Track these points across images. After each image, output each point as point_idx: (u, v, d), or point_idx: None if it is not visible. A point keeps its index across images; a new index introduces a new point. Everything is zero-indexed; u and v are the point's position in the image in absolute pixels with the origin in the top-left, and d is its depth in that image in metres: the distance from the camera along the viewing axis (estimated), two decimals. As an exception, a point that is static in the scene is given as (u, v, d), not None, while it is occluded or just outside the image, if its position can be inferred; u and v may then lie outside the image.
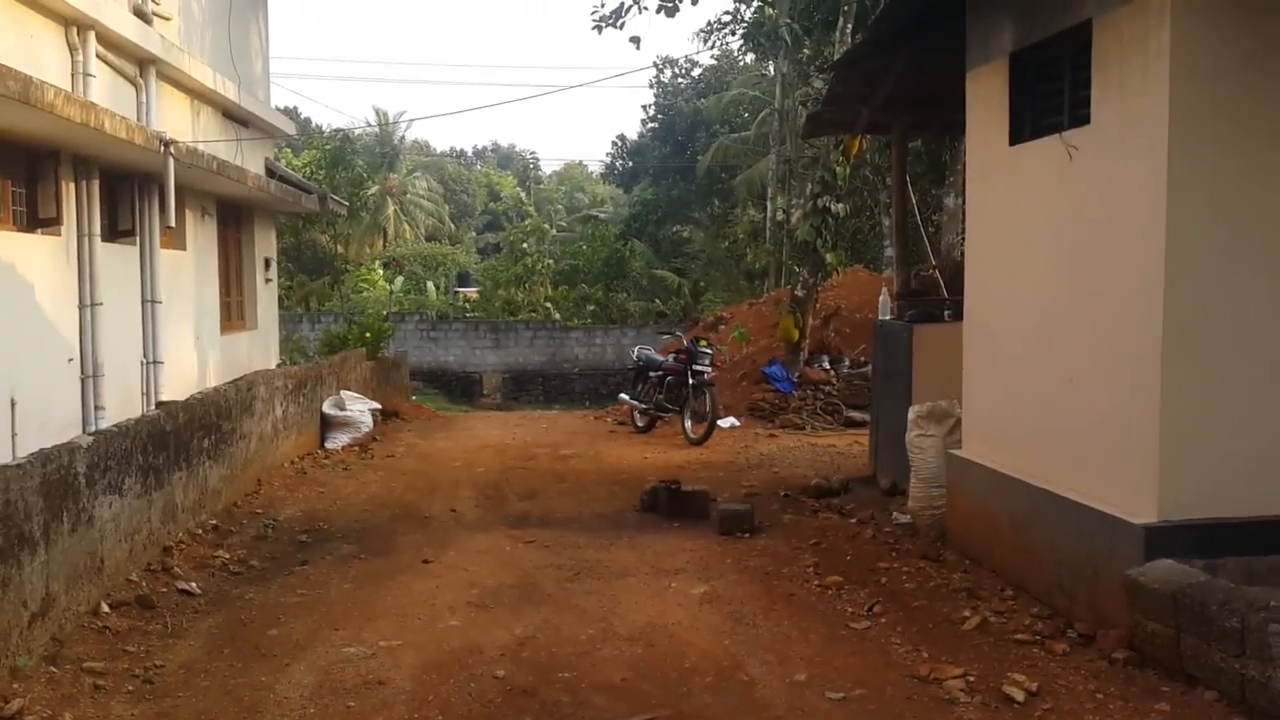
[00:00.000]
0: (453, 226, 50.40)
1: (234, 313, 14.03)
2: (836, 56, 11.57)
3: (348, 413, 11.91)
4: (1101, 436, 5.37)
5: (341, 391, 12.36)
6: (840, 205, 14.55)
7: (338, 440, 11.68)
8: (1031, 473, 5.96)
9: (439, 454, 11.54)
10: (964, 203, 7.26)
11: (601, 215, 43.21)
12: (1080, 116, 5.52)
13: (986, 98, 6.51)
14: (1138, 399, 5.04)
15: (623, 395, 14.09)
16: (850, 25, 14.33)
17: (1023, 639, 5.15)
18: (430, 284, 37.75)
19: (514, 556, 6.99)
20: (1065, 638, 5.12)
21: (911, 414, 7.47)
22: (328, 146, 36.33)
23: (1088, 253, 5.49)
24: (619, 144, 42.16)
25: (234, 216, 13.97)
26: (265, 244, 15.20)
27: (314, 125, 50.24)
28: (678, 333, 15.94)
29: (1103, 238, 5.34)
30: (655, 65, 36.39)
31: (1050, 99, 5.89)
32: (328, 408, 11.79)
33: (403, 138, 49.11)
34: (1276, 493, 4.98)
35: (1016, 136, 6.21)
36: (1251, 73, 4.83)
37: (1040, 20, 5.88)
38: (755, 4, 23.47)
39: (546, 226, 39.75)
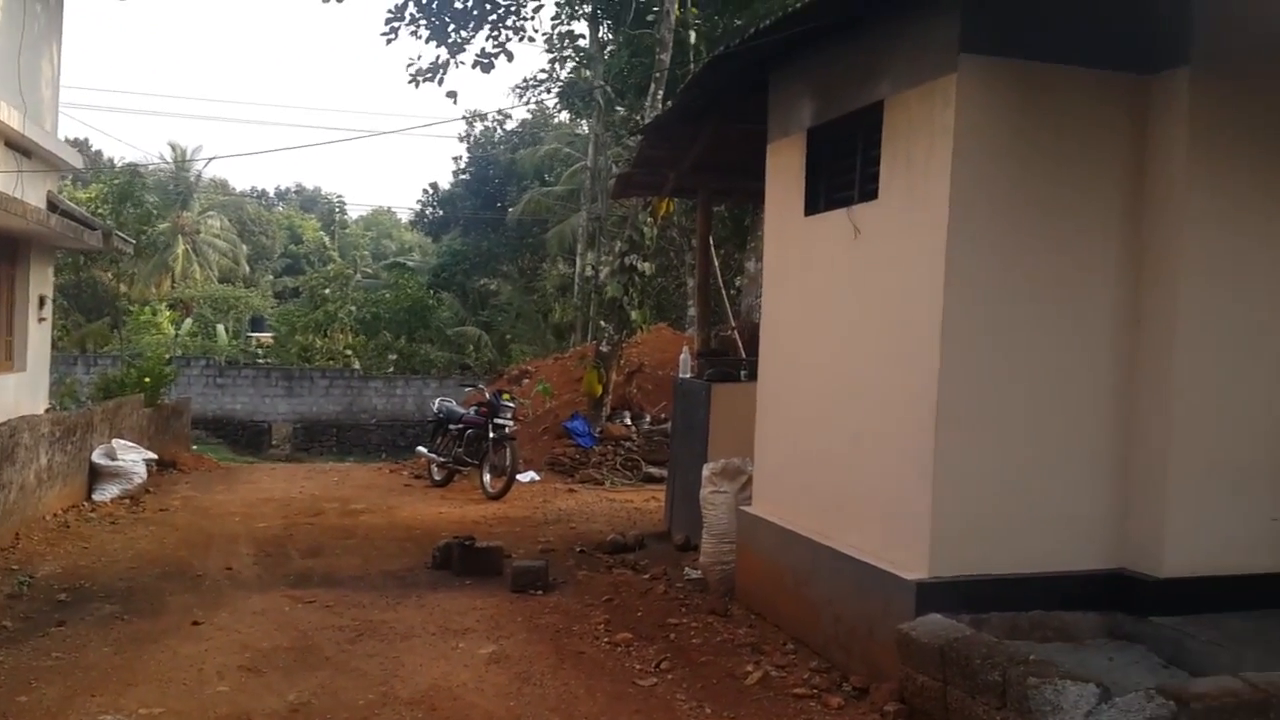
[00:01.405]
0: (248, 269, 48.47)
1: (1, 353, 12.98)
2: (647, 121, 11.85)
3: (119, 463, 11.11)
4: (880, 497, 5.60)
5: (114, 440, 11.54)
6: (647, 264, 14.85)
7: (107, 492, 10.87)
8: (816, 530, 6.16)
9: (218, 508, 10.92)
10: (763, 267, 7.52)
11: (409, 263, 42.52)
12: (870, 191, 5.82)
13: (785, 169, 6.80)
14: (913, 462, 5.29)
15: (420, 448, 13.79)
16: (661, 91, 14.73)
17: (801, 693, 5.28)
18: (220, 328, 36.06)
19: (293, 617, 6.66)
20: (841, 691, 5.27)
21: (706, 471, 7.61)
22: (116, 181, 34.35)
23: (872, 322, 5.76)
24: (430, 192, 41.73)
25: (8, 251, 12.97)
26: (41, 281, 14.15)
27: (105, 159, 47.55)
28: (480, 385, 15.78)
29: (886, 308, 5.62)
30: (465, 119, 36.35)
31: (844, 174, 6.19)
32: (97, 457, 10.97)
33: (199, 175, 47.06)
34: (1037, 551, 5.30)
35: (812, 208, 6.49)
36: (1026, 156, 5.20)
37: (836, 99, 6.20)
38: (570, 65, 23.88)
39: (350, 272, 38.76)
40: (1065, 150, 5.26)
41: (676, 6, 15.10)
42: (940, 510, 5.15)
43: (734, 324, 13.84)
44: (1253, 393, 5.29)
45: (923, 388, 5.22)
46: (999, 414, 5.23)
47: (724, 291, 14.84)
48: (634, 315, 15.24)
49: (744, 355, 9.84)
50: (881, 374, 5.64)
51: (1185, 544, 5.22)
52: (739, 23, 16.41)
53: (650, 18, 17.71)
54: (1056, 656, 4.78)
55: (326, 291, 35.06)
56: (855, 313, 5.95)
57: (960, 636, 4.72)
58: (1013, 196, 5.19)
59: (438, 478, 12.93)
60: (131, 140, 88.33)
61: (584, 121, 30.04)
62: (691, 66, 13.01)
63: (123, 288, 35.74)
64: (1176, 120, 5.15)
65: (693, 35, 16.19)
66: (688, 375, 9.82)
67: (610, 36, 23.14)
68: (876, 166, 5.72)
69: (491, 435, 12.03)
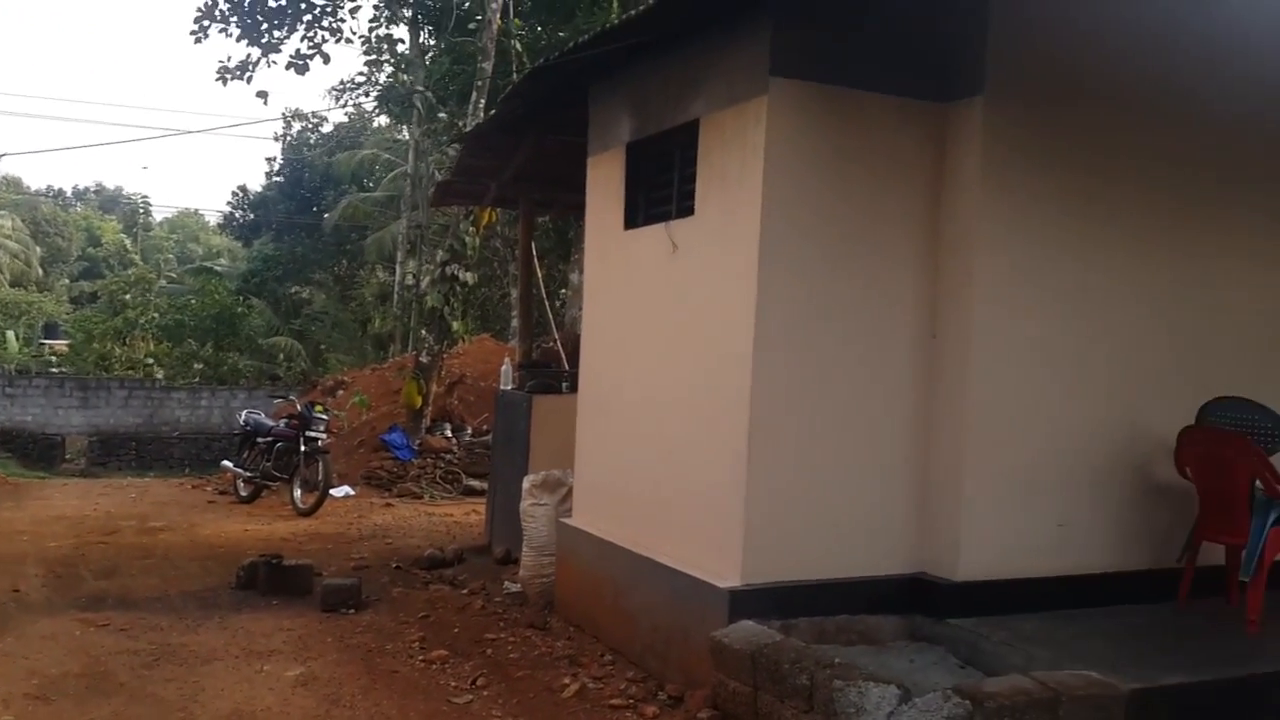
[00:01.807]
0: (41, 272, 45.37)
1: None
2: (469, 129, 11.73)
3: (-114, 477, 10.21)
4: (696, 507, 5.69)
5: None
6: (469, 274, 14.69)
7: None
8: (634, 541, 6.20)
9: (4, 526, 10.14)
10: (584, 280, 7.55)
11: (218, 268, 40.67)
12: (687, 208, 5.92)
13: (605, 183, 6.84)
14: (727, 473, 5.40)
15: (226, 462, 13.19)
16: (483, 100, 14.62)
17: (617, 704, 5.30)
18: (11, 334, 33.60)
19: (85, 641, 6.24)
20: (656, 700, 5.33)
21: (526, 483, 7.56)
22: (-112, 181, 31.55)
23: (689, 335, 5.86)
24: (240, 195, 40.06)
25: None
26: None
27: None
28: (292, 396, 15.24)
29: (702, 322, 5.73)
30: (284, 118, 35.14)
31: (662, 189, 6.28)
32: None
33: (-12, 173, 43.74)
34: (844, 557, 5.49)
35: (631, 222, 6.56)
36: (836, 177, 5.39)
37: (655, 116, 6.29)
38: (389, 70, 23.41)
39: (154, 276, 36.76)
40: (872, 172, 5.49)
41: (499, 16, 15.03)
42: (752, 519, 5.28)
43: (557, 335, 13.84)
44: (1039, 405, 5.62)
45: (736, 401, 5.34)
46: (808, 426, 5.40)
47: (547, 303, 14.81)
48: (455, 325, 15.04)
49: (567, 367, 9.85)
50: (697, 387, 5.74)
51: (979, 549, 5.49)
52: (562, 34, 16.48)
53: (472, 26, 17.55)
54: (860, 659, 4.97)
55: (127, 297, 33.15)
56: (673, 326, 6.04)
57: (770, 642, 4.84)
58: (823, 215, 5.38)
59: (244, 493, 12.40)
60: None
61: (404, 127, 29.50)
62: (514, 76, 12.96)
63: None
64: (971, 146, 5.45)
65: (517, 45, 16.16)
66: (509, 387, 9.76)
67: (431, 42, 22.81)
68: (693, 183, 5.83)
69: (303, 448, 11.61)
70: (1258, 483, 5.44)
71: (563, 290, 20.35)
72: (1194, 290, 6.00)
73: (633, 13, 5.63)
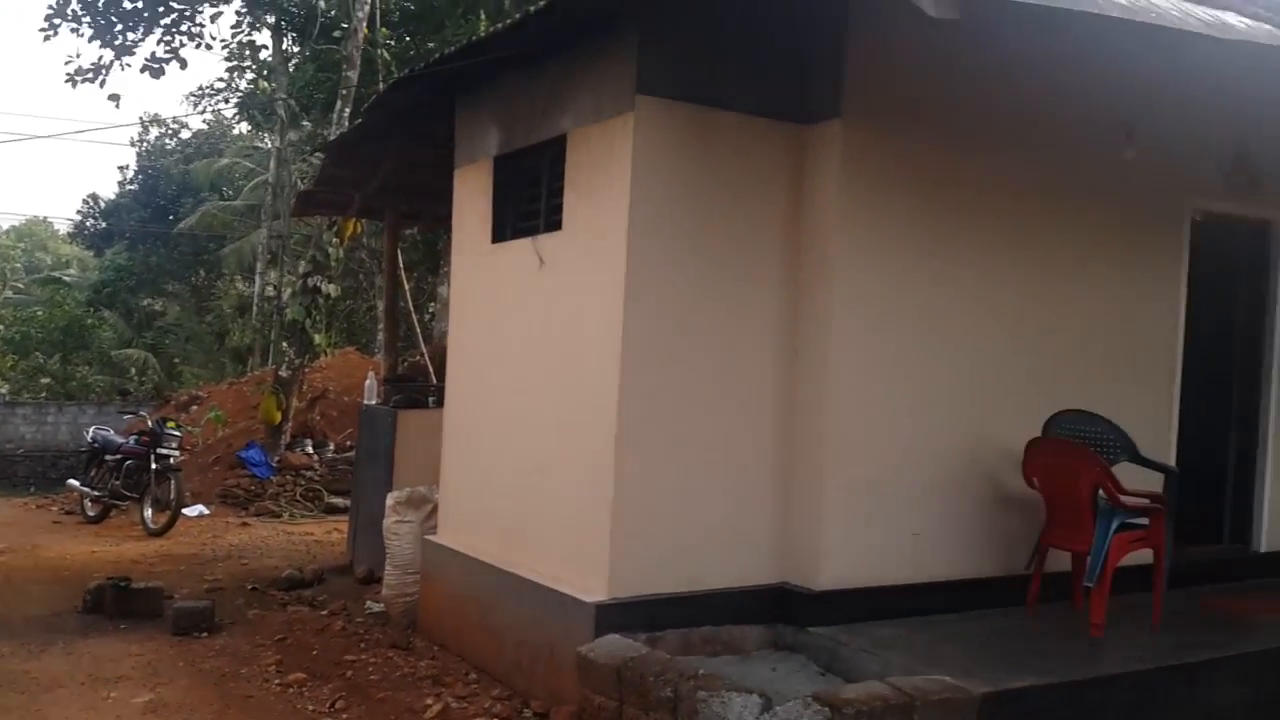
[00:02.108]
0: None
1: None
2: (332, 138, 11.48)
3: None
4: (563, 522, 5.68)
5: None
6: (332, 286, 14.36)
7: None
8: (501, 557, 6.14)
9: None
10: (451, 293, 7.46)
11: (66, 279, 38.72)
12: (555, 222, 5.92)
13: (472, 195, 6.79)
14: (594, 487, 5.40)
15: (72, 481, 12.56)
16: (348, 109, 14.33)
17: (481, 723, 5.24)
18: None
19: (-86, 672, 5.86)
20: (521, 718, 5.28)
21: (390, 500, 7.42)
22: None
23: (556, 350, 5.85)
24: (91, 202, 38.23)
25: None
26: None
27: None
28: (143, 412, 14.60)
29: (569, 336, 5.72)
30: (141, 123, 33.74)
31: (530, 203, 6.26)
32: None
33: None
34: (711, 569, 5.53)
35: (498, 235, 6.52)
36: (702, 194, 5.46)
37: (523, 129, 6.27)
38: (250, 76, 22.76)
39: (-2, 286, 34.81)
40: (736, 190, 5.58)
41: (365, 25, 14.78)
42: (619, 533, 5.29)
43: (425, 349, 13.64)
44: (895, 419, 5.79)
45: (603, 415, 5.35)
46: (675, 440, 5.44)
47: (415, 316, 14.60)
48: (318, 339, 14.70)
49: (435, 381, 9.71)
50: (565, 401, 5.73)
51: (838, 558, 5.61)
52: (431, 45, 16.29)
53: (338, 34, 17.22)
54: (724, 669, 5.02)
55: (-33, 308, 31.29)
56: (540, 340, 6.02)
57: (635, 656, 4.84)
58: (689, 232, 5.44)
59: (92, 513, 11.81)
60: None
61: (266, 135, 28.69)
62: (381, 86, 12.76)
63: None
64: (830, 168, 5.57)
65: (384, 54, 15.91)
66: (374, 401, 9.56)
67: (295, 49, 22.27)
68: (561, 197, 5.83)
69: (154, 466, 11.13)
70: (1101, 491, 5.70)
71: (431, 303, 20.08)
72: (1037, 308, 6.26)
73: (500, 25, 5.60)
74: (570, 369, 5.70)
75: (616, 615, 5.21)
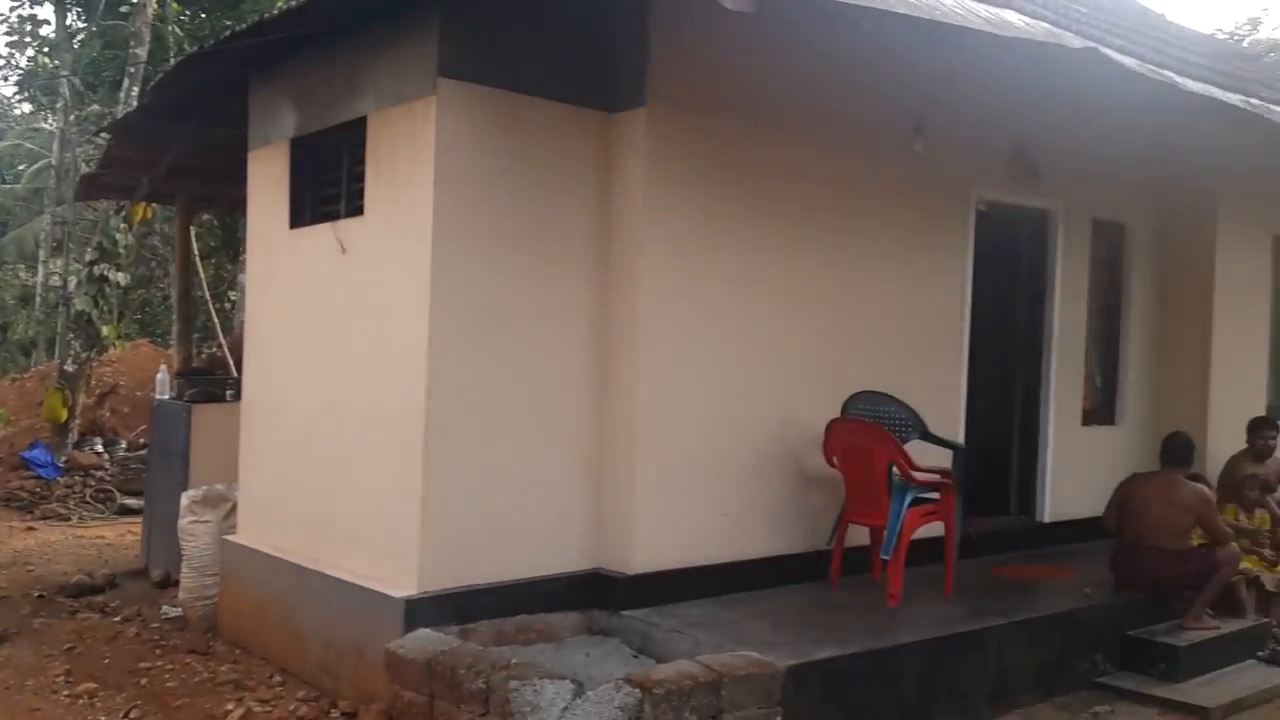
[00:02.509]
0: None
1: None
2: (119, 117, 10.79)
3: None
4: (371, 517, 5.54)
5: None
6: (122, 275, 13.55)
7: None
8: (306, 556, 5.95)
9: None
10: (247, 281, 7.13)
11: None
12: (357, 207, 5.74)
13: (268, 179, 6.51)
14: (403, 479, 5.28)
15: None
16: (137, 88, 13.51)
17: (287, 726, 5.06)
18: None
19: None
20: (329, 718, 5.12)
21: (185, 499, 7.05)
22: None
23: (361, 338, 5.68)
24: None
25: None
26: None
27: None
28: (-90, 412, 13.43)
29: (375, 325, 5.57)
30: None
31: (330, 187, 6.05)
32: None
33: None
34: (525, 558, 5.50)
35: (297, 220, 6.27)
36: (509, 179, 5.40)
37: (319, 111, 6.05)
38: (31, 53, 21.21)
39: None
40: (544, 177, 5.55)
41: (155, 1, 13.96)
42: (429, 525, 5.19)
43: (224, 340, 13.01)
44: (704, 404, 5.90)
45: (411, 404, 5.23)
46: (486, 429, 5.38)
47: (213, 306, 13.91)
48: (106, 330, 13.79)
49: (233, 374, 9.28)
50: (371, 391, 5.57)
51: (651, 541, 5.69)
52: (228, 22, 15.53)
53: (125, 9, 16.20)
54: (538, 658, 5.02)
55: None
56: (343, 329, 5.84)
57: (446, 649, 4.77)
58: (496, 218, 5.37)
59: None
60: None
61: (49, 115, 26.78)
62: (172, 63, 12.10)
63: None
64: (636, 157, 5.61)
65: (176, 30, 15.06)
66: (167, 396, 9.06)
67: (81, 25, 20.83)
68: (363, 182, 5.66)
69: (-77, 470, 10.26)
70: (894, 468, 5.97)
71: (231, 292, 19.19)
72: (837, 294, 6.50)
73: (295, 2, 5.37)
74: (376, 358, 5.55)
75: (427, 609, 5.12)
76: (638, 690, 4.31)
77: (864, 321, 6.64)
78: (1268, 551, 7.07)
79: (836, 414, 6.27)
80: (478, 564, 5.36)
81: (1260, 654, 6.48)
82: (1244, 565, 6.69)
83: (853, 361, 6.54)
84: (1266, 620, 6.69)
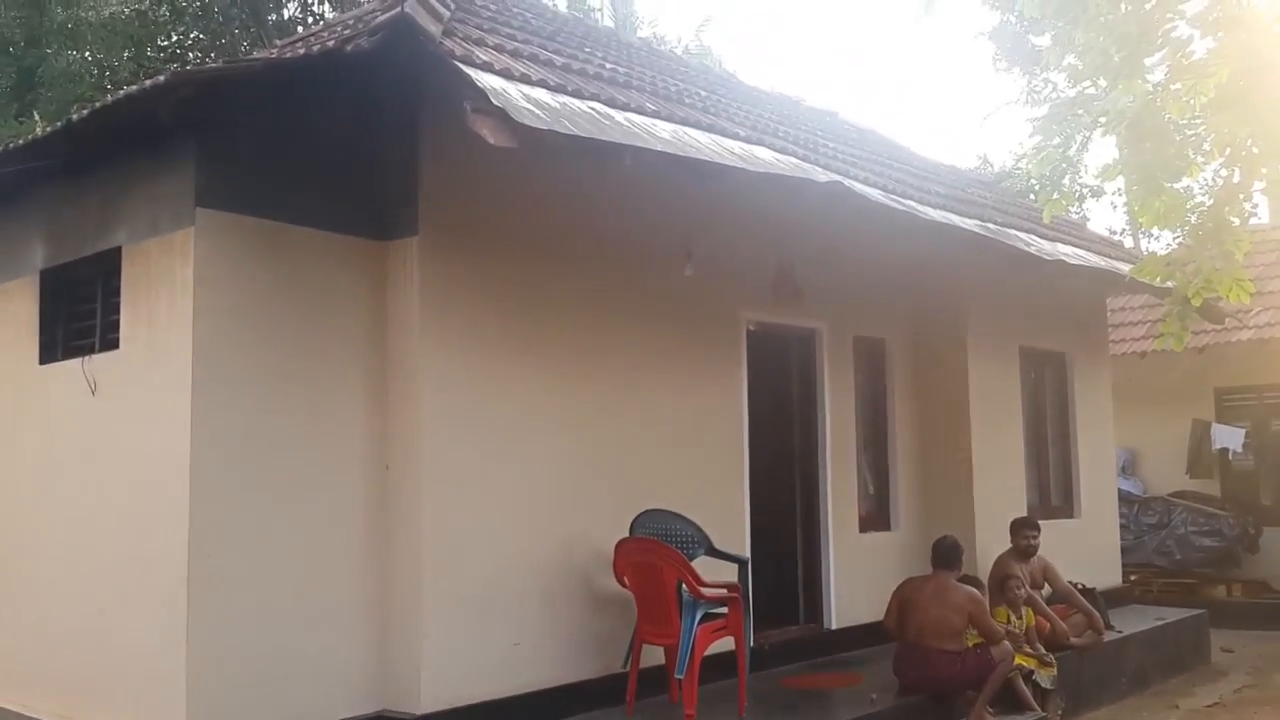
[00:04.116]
0: None
1: None
2: None
3: None
4: (132, 671, 5.16)
5: None
6: None
7: None
8: (62, 715, 5.50)
9: None
10: None
11: None
12: (112, 340, 5.48)
13: (15, 313, 6.15)
14: (165, 630, 4.95)
15: None
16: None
17: None
18: None
19: None
20: None
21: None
22: None
23: (117, 483, 5.38)
24: None
25: None
26: None
27: None
28: None
29: (132, 468, 5.28)
30: None
31: (84, 320, 5.77)
32: None
33: None
34: (302, 705, 5.22)
35: (48, 355, 5.94)
36: (276, 311, 5.27)
37: (73, 241, 5.80)
38: None
39: None
40: (315, 308, 5.44)
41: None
42: (195, 677, 4.86)
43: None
44: (490, 532, 5.79)
45: (172, 552, 4.94)
46: (256, 572, 5.11)
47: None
48: None
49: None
50: (129, 539, 5.24)
51: (440, 678, 5.48)
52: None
53: None
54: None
55: None
56: (99, 473, 5.50)
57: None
58: (263, 349, 5.22)
59: None
60: None
61: None
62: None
63: None
64: (410, 286, 5.59)
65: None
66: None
67: None
68: (119, 314, 5.41)
69: None
70: (684, 585, 6.00)
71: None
72: (620, 416, 6.57)
73: (40, 132, 5.15)
74: (135, 503, 5.23)
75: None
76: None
77: (647, 441, 6.73)
78: (1041, 649, 7.42)
79: (625, 533, 6.28)
80: (252, 713, 5.03)
81: (1044, 749, 6.75)
82: (1019, 663, 7.00)
83: (639, 481, 6.60)
84: (1044, 715, 6.98)
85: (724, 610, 6.10)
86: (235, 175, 5.18)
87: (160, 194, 5.23)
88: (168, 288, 5.11)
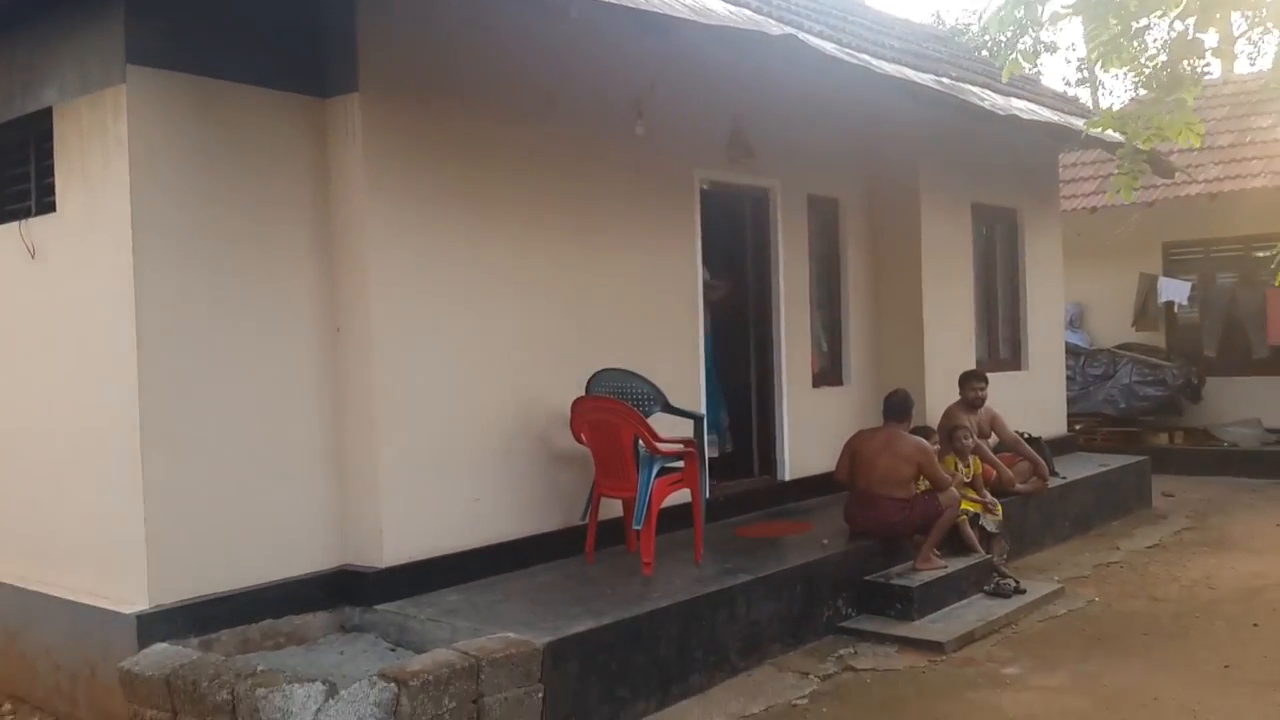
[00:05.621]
0: None
1: None
2: None
3: None
4: (92, 532, 5.21)
5: None
6: None
7: None
8: (25, 576, 5.56)
9: None
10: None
11: None
12: (48, 204, 5.37)
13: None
14: (122, 491, 4.99)
15: None
16: None
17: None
18: None
19: None
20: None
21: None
22: None
23: (64, 346, 5.33)
24: None
25: None
26: None
27: None
28: None
29: (77, 330, 5.24)
30: None
31: (18, 184, 5.63)
32: None
33: None
34: (265, 562, 5.32)
35: (-19, 221, 5.79)
36: (216, 170, 5.17)
37: (2, 103, 5.59)
38: None
39: None
40: (256, 167, 5.33)
41: None
42: (155, 537, 4.93)
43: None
44: (446, 389, 5.83)
45: (123, 413, 4.95)
46: (210, 432, 5.14)
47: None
48: None
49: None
50: (79, 402, 5.23)
51: (401, 533, 5.60)
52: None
53: None
54: (287, 661, 4.88)
55: None
56: (42, 337, 5.46)
57: (185, 662, 4.54)
58: (205, 210, 5.13)
59: None
60: None
61: None
62: None
63: None
64: (353, 143, 5.48)
65: None
66: None
67: None
68: (53, 176, 5.29)
69: None
70: (640, 441, 6.12)
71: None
72: (573, 274, 6.57)
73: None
74: (82, 366, 5.20)
75: (162, 623, 4.87)
76: (393, 684, 4.24)
77: (602, 300, 6.75)
78: (987, 494, 7.69)
79: (581, 392, 6.36)
80: (214, 572, 5.13)
81: (986, 588, 7.02)
82: (966, 507, 7.26)
83: (594, 339, 6.65)
84: (989, 557, 7.27)
85: (680, 464, 6.24)
86: (166, 30, 4.99)
87: (89, 50, 5.04)
88: (101, 147, 4.98)
